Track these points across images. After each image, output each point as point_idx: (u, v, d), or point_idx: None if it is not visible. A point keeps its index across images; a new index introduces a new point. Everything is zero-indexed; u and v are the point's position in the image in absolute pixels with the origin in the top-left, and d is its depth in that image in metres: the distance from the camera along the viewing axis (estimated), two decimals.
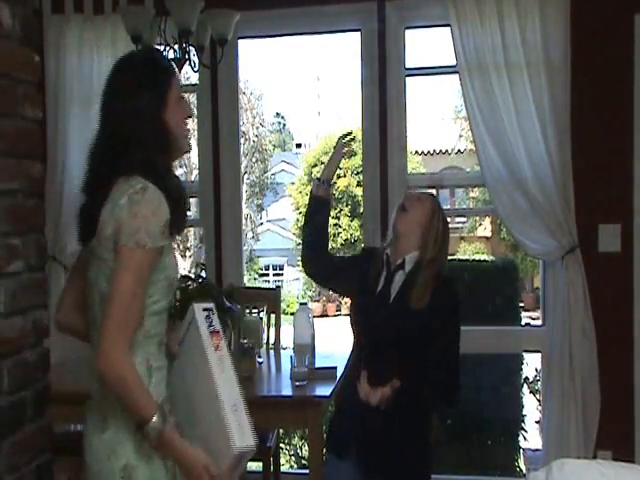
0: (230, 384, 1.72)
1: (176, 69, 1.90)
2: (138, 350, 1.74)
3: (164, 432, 1.65)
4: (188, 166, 14.13)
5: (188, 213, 1.86)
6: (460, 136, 15.82)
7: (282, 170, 20.50)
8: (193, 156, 13.35)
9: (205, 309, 1.81)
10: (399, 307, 2.44)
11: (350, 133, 2.72)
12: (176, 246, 2.23)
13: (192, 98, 4.73)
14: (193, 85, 4.14)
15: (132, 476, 1.72)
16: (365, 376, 2.37)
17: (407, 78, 3.77)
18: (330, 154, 2.74)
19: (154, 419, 1.64)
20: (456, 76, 3.52)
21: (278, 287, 3.83)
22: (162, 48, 3.23)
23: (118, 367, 1.64)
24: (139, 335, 1.73)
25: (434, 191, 2.67)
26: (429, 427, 2.52)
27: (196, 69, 3.34)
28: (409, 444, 2.43)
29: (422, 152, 16.31)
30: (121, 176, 1.74)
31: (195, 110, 4.22)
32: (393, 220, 2.56)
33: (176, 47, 3.18)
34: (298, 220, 16.45)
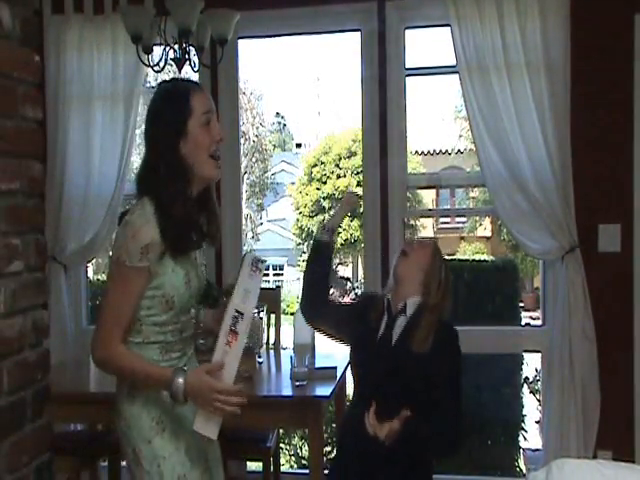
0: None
1: (202, 98, 1.93)
2: (139, 352, 1.92)
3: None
4: None
5: (194, 238, 1.94)
6: (460, 136, 15.83)
7: (282, 170, 20.49)
8: None
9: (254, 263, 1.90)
10: (402, 350, 2.43)
11: (357, 194, 2.84)
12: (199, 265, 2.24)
13: None
14: None
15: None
16: (374, 409, 2.33)
17: (407, 78, 3.77)
18: (337, 207, 2.79)
19: (176, 380, 1.82)
20: (456, 76, 3.52)
21: (278, 287, 3.84)
22: (162, 48, 3.23)
23: (104, 364, 1.91)
24: (137, 338, 1.92)
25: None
26: (431, 465, 2.51)
27: (196, 69, 3.34)
28: None
29: (422, 152, 16.31)
30: (141, 197, 1.91)
31: None
32: (394, 265, 2.57)
33: (176, 47, 3.18)
34: (298, 220, 16.46)
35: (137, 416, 1.94)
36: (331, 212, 2.98)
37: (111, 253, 1.89)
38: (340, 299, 2.89)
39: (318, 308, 2.70)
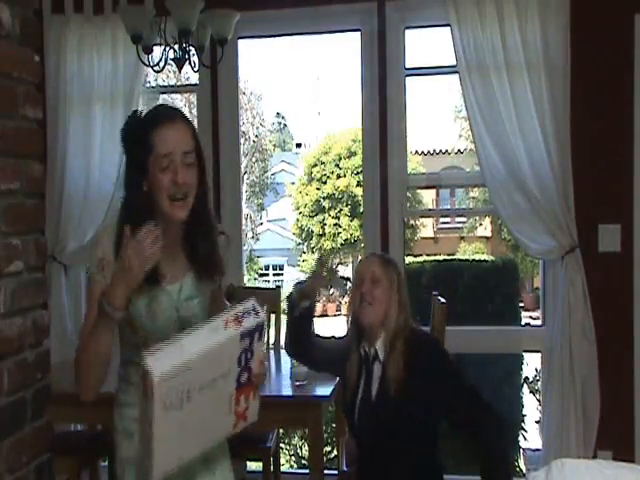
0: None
1: (167, 137, 1.73)
2: (123, 372, 1.89)
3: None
4: None
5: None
6: (460, 136, 15.83)
7: (282, 170, 20.50)
8: None
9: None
10: (383, 404, 2.31)
11: (322, 257, 2.67)
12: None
13: (192, 98, 4.74)
14: (193, 85, 4.15)
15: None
16: None
17: (407, 78, 3.77)
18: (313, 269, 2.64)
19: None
20: (456, 76, 3.52)
21: (278, 287, 3.83)
22: (162, 48, 3.23)
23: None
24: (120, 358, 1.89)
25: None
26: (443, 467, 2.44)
27: (196, 69, 3.34)
28: None
29: (422, 152, 16.32)
30: None
31: (195, 110, 4.22)
32: (354, 312, 2.39)
33: (176, 47, 3.19)
34: (298, 220, 16.46)
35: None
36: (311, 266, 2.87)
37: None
38: (325, 338, 2.84)
39: (302, 351, 2.62)
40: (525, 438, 4.62)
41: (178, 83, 6.01)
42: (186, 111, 14.40)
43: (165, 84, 6.81)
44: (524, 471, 4.33)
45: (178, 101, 13.03)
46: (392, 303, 2.33)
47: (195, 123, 4.22)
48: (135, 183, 1.75)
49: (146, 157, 1.72)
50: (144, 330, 1.81)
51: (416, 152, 15.60)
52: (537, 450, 3.78)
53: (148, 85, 4.35)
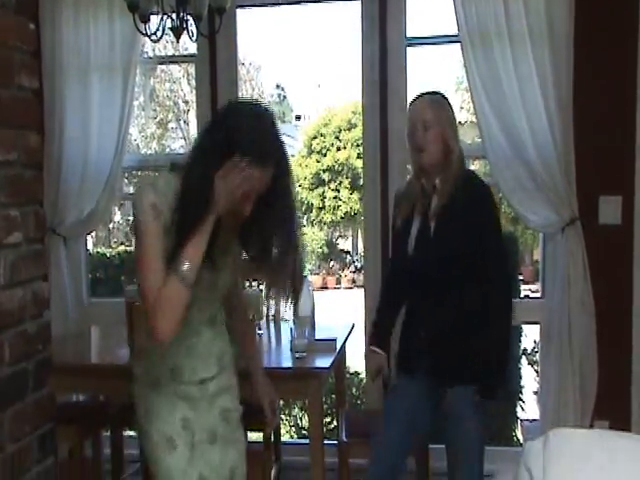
0: None
1: (259, 175, 1.78)
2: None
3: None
4: (187, 138, 14.06)
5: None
6: (461, 108, 15.73)
7: None
8: (192, 128, 13.29)
9: None
10: (440, 238, 2.51)
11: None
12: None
13: (190, 69, 4.69)
14: (191, 56, 4.10)
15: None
16: None
17: (408, 49, 3.74)
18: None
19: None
20: (458, 47, 3.48)
21: None
22: (159, 17, 3.19)
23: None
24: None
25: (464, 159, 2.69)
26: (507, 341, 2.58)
27: (194, 39, 3.30)
28: (472, 347, 2.50)
29: None
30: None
31: (193, 81, 4.17)
32: (412, 158, 2.60)
33: (174, 16, 3.14)
34: (298, 193, 16.40)
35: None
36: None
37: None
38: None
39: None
40: (523, 409, 4.65)
41: (176, 53, 5.94)
42: (184, 82, 14.32)
43: (163, 55, 6.75)
44: (521, 441, 4.37)
45: (176, 72, 12.94)
46: (447, 140, 2.53)
47: (193, 95, 4.18)
48: (209, 168, 1.77)
49: (230, 155, 1.75)
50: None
51: None
52: (534, 420, 3.81)
53: (146, 56, 4.32)
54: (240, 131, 1.77)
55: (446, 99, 2.63)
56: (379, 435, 2.62)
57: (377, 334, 2.74)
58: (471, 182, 2.58)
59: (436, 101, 2.61)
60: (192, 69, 4.27)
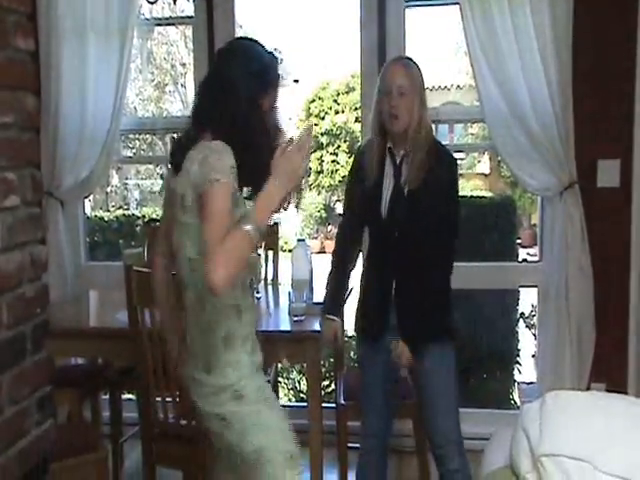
0: None
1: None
2: (228, 296, 1.92)
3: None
4: (185, 101, 13.94)
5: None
6: (460, 72, 15.59)
7: None
8: (189, 91, 13.18)
9: None
10: (412, 198, 2.56)
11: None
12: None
13: (187, 31, 4.63)
14: (189, 17, 4.04)
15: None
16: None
17: (407, 10, 3.69)
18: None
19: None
20: (456, 8, 3.43)
21: (276, 224, 3.81)
22: None
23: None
24: None
25: (433, 126, 2.66)
26: (449, 288, 2.67)
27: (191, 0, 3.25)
28: (435, 306, 2.61)
29: None
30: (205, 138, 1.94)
31: (191, 43, 4.12)
32: (382, 120, 2.59)
33: None
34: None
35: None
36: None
37: (200, 197, 1.85)
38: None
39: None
40: (520, 372, 4.69)
41: (173, 15, 5.86)
42: (182, 45, 14.17)
43: (159, 16, 6.66)
44: (519, 404, 4.42)
45: (173, 34, 12.78)
46: (417, 107, 2.55)
47: (191, 57, 4.13)
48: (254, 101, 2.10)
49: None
50: None
51: None
52: (532, 383, 3.84)
53: (142, 17, 4.26)
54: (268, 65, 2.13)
55: (418, 66, 2.64)
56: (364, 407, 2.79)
57: (332, 302, 2.79)
58: (442, 151, 2.64)
59: (411, 67, 2.61)
60: (189, 31, 4.21)
